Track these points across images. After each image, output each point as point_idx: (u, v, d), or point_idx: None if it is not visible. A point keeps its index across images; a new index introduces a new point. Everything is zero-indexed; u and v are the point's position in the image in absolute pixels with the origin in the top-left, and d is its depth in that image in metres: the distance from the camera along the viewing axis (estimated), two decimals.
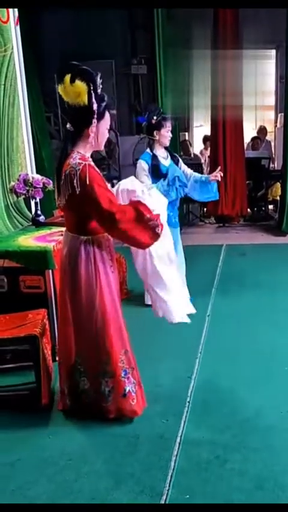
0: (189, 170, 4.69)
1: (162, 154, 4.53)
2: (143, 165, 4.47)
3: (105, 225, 2.75)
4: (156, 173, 4.42)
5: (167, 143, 4.54)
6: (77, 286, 2.84)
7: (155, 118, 4.46)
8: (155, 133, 4.46)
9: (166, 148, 4.61)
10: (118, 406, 2.91)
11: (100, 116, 2.74)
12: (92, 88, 2.64)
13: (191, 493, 2.39)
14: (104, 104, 2.75)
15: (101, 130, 2.79)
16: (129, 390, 2.91)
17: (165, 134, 4.48)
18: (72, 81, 2.63)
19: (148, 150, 4.54)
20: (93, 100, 2.66)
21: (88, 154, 2.81)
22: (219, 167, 4.90)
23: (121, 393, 2.90)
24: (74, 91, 2.65)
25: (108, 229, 2.78)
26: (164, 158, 4.53)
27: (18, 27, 4.38)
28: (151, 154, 4.49)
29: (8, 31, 4.23)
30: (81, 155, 2.73)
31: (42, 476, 2.54)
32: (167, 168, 4.47)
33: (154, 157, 4.47)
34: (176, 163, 4.59)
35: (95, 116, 2.70)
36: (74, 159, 2.71)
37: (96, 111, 2.69)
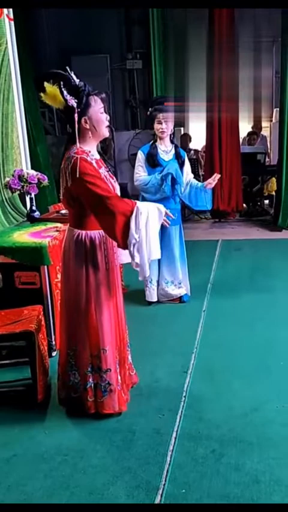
0: (190, 176, 4.60)
1: (164, 148, 4.47)
2: (138, 155, 4.47)
3: (96, 210, 2.70)
4: (152, 162, 4.39)
5: (161, 136, 4.42)
6: (68, 279, 2.89)
7: (149, 110, 4.44)
8: (153, 125, 4.44)
9: (176, 146, 4.54)
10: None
11: (85, 107, 2.73)
12: (62, 85, 2.66)
13: (187, 488, 2.39)
14: (84, 93, 2.73)
15: (94, 118, 2.77)
16: (90, 386, 2.91)
17: (156, 126, 4.41)
18: (43, 89, 2.67)
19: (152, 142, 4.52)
20: (67, 97, 2.67)
21: (89, 147, 2.80)
22: (215, 174, 4.67)
23: (82, 386, 2.93)
24: (49, 97, 2.70)
25: (98, 214, 2.70)
26: (165, 152, 4.46)
27: (12, 22, 4.35)
28: (151, 144, 4.48)
29: (2, 26, 4.20)
30: (79, 149, 2.73)
31: (38, 472, 2.54)
32: (166, 163, 4.42)
33: (153, 147, 4.44)
34: (181, 164, 4.47)
35: (78, 110, 2.70)
36: (69, 153, 2.73)
37: (76, 105, 2.69)
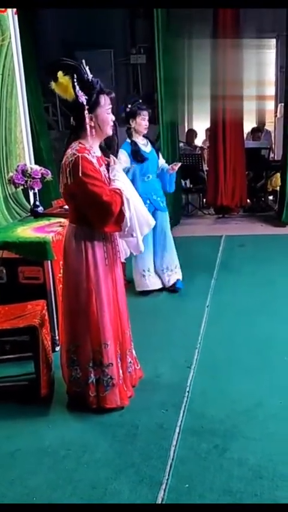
0: (162, 161, 4.83)
1: (142, 142, 4.67)
2: (120, 155, 4.45)
3: (92, 209, 2.74)
4: (139, 157, 4.55)
5: (144, 131, 4.63)
6: (69, 275, 2.91)
7: (129, 106, 4.58)
8: (130, 121, 4.58)
9: (147, 138, 4.74)
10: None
11: (94, 105, 2.71)
12: (75, 79, 2.62)
13: (190, 482, 2.40)
14: (96, 90, 2.71)
15: (100, 118, 2.76)
16: (92, 382, 2.92)
17: (141, 123, 4.58)
18: (55, 78, 2.64)
19: (128, 140, 4.64)
20: (79, 92, 2.64)
21: (90, 144, 2.77)
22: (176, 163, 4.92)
23: (83, 381, 2.93)
24: (60, 87, 2.68)
25: (93, 212, 2.75)
26: (144, 145, 4.67)
27: (16, 17, 4.34)
28: (129, 141, 4.60)
29: (5, 20, 4.19)
30: (81, 146, 2.71)
31: (42, 466, 2.55)
32: (148, 154, 4.63)
33: (133, 144, 4.59)
34: (157, 150, 4.77)
35: (87, 107, 2.67)
36: (71, 149, 2.71)
37: (85, 102, 2.66)
